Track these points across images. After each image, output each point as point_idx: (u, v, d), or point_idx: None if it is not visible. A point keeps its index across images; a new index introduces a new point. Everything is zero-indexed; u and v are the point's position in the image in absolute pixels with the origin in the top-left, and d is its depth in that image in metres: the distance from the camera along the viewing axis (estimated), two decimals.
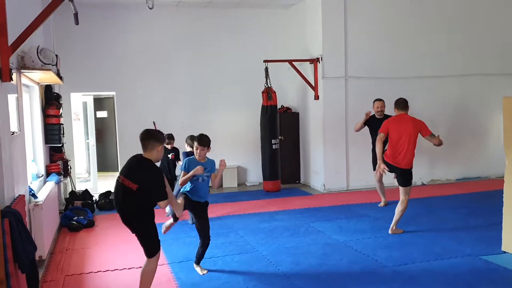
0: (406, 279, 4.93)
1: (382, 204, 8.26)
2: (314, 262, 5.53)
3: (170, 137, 8.46)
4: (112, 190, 9.21)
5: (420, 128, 6.32)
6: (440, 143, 6.40)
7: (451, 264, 5.31)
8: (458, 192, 9.30)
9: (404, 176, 6.38)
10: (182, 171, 5.19)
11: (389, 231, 6.56)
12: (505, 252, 5.61)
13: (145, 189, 4.14)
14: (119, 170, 4.77)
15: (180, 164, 8.05)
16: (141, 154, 4.34)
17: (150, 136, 4.35)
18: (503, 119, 5.70)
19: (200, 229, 5.29)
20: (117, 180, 4.31)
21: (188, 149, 7.70)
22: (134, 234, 4.42)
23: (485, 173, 10.79)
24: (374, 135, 7.61)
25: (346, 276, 5.10)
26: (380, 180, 7.96)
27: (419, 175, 9.89)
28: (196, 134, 5.46)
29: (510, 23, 10.75)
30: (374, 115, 7.91)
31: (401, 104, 6.48)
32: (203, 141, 5.20)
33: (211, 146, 5.28)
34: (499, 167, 5.95)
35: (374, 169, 7.59)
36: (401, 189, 6.43)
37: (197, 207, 5.21)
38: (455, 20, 10.47)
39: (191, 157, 5.32)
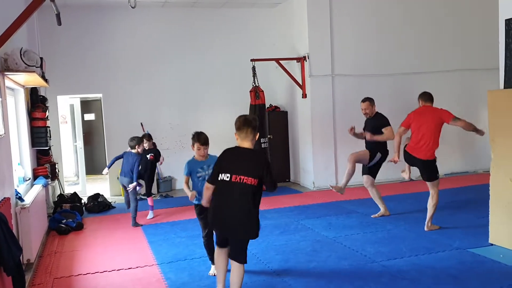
0: (394, 273, 4.95)
1: (379, 214, 7.33)
2: (304, 259, 5.54)
3: (149, 137, 8.32)
4: (101, 193, 9.34)
5: (441, 115, 6.09)
6: (471, 128, 6.06)
7: (439, 258, 5.34)
8: (446, 187, 9.30)
9: (426, 169, 6.22)
10: (185, 176, 5.09)
11: (425, 228, 6.37)
12: (492, 245, 5.66)
13: (262, 181, 4.00)
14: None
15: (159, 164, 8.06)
16: (239, 147, 4.13)
17: (252, 125, 4.09)
18: (488, 113, 5.75)
19: None
20: (229, 183, 3.98)
21: (132, 150, 7.62)
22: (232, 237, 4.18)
23: (472, 168, 10.88)
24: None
25: (336, 272, 5.11)
26: (372, 185, 7.28)
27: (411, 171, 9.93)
28: (186, 134, 5.34)
29: (494, 20, 10.81)
30: None
31: (425, 96, 6.32)
32: (205, 139, 5.07)
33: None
34: (487, 162, 6.00)
35: (363, 173, 7.36)
36: (428, 184, 6.30)
37: None
38: (441, 17, 10.53)
39: (191, 158, 5.15)
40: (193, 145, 5.08)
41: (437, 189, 6.29)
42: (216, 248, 4.44)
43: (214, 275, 4.91)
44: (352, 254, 5.64)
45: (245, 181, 3.94)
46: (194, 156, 5.13)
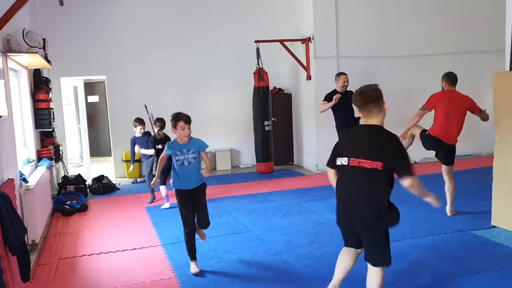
0: (396, 255, 4.93)
1: None
2: (306, 241, 5.57)
3: (162, 123, 7.65)
4: (106, 175, 9.38)
5: (469, 103, 6.07)
6: (487, 118, 6.16)
7: (441, 240, 5.36)
8: None
9: (452, 153, 6.20)
10: (165, 154, 4.84)
11: (449, 213, 6.29)
12: (494, 227, 5.68)
13: (390, 165, 3.38)
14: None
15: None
16: (365, 125, 3.50)
17: (379, 94, 3.46)
18: (493, 95, 5.71)
19: (198, 218, 4.84)
20: (346, 168, 3.50)
21: (137, 134, 7.60)
22: (361, 235, 3.60)
23: (477, 150, 10.86)
24: (338, 113, 7.55)
25: (337, 253, 5.09)
26: None
27: (412, 153, 9.89)
28: (190, 116, 5.13)
29: (501, 1, 10.69)
30: (334, 90, 7.69)
31: (453, 79, 6.16)
32: (188, 117, 4.71)
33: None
34: (491, 145, 5.98)
35: None
36: (447, 168, 6.24)
37: (193, 193, 4.77)
38: None
39: (172, 141, 4.86)
40: (174, 126, 4.69)
41: None
42: (345, 254, 3.90)
43: (195, 273, 4.72)
44: None
45: (366, 165, 3.39)
46: (176, 138, 4.82)
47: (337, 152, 3.64)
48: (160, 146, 7.45)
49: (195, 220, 4.87)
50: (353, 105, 3.58)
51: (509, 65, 5.57)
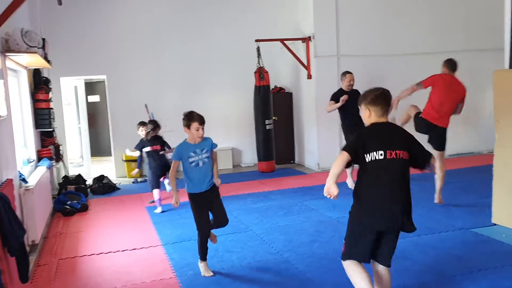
0: (397, 253, 4.85)
1: None
2: (307, 239, 5.56)
3: (154, 125, 7.40)
4: (106, 174, 9.37)
5: (463, 95, 6.33)
6: (460, 111, 6.47)
7: (442, 238, 5.34)
8: (450, 167, 9.14)
9: (443, 137, 6.36)
10: (174, 160, 4.59)
11: (436, 201, 6.48)
12: (495, 224, 5.66)
13: (413, 154, 3.46)
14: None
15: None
16: (380, 122, 3.47)
17: (390, 97, 3.53)
18: (493, 93, 5.68)
19: (218, 218, 4.74)
20: (381, 162, 3.34)
21: (142, 134, 7.42)
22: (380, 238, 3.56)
23: (477, 148, 10.83)
24: (345, 112, 7.51)
25: (338, 252, 5.03)
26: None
27: None
28: None
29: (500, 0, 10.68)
30: (340, 89, 7.65)
31: (454, 65, 6.38)
32: (202, 118, 4.52)
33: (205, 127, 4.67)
34: (491, 142, 5.97)
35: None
36: (439, 153, 6.36)
37: (209, 195, 4.66)
38: None
39: (183, 141, 4.61)
40: (187, 126, 4.47)
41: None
42: (362, 269, 3.53)
43: (210, 276, 4.63)
44: None
45: (402, 155, 3.39)
46: (185, 139, 4.61)
47: (363, 146, 3.38)
48: (148, 149, 7.29)
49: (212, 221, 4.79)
50: (368, 104, 3.48)
51: (509, 63, 5.54)
